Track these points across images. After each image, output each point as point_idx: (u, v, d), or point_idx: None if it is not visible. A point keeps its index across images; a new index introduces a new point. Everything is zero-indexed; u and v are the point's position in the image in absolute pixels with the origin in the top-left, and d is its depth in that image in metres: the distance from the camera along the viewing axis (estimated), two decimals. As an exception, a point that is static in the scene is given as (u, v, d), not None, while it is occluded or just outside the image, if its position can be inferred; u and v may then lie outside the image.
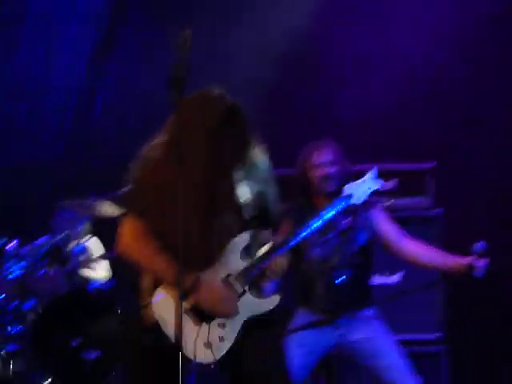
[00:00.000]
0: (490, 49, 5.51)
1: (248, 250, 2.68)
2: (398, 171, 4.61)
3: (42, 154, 6.03)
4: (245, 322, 2.58)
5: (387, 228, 3.68)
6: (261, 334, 2.60)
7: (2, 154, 6.00)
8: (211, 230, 2.53)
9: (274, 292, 3.56)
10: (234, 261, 2.62)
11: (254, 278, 2.64)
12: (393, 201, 4.48)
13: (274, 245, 2.68)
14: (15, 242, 4.78)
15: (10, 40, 6.10)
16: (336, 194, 3.16)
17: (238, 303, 2.57)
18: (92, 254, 5.23)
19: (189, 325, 2.52)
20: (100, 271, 5.04)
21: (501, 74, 5.48)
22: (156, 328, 2.52)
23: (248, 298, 2.61)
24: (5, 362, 4.58)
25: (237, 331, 2.56)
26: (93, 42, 6.12)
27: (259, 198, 2.71)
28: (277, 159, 3.62)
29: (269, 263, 2.64)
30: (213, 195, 2.54)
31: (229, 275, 2.60)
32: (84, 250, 5.01)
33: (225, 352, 2.53)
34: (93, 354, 4.41)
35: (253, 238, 2.71)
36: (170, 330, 2.41)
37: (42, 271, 4.74)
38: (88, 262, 5.10)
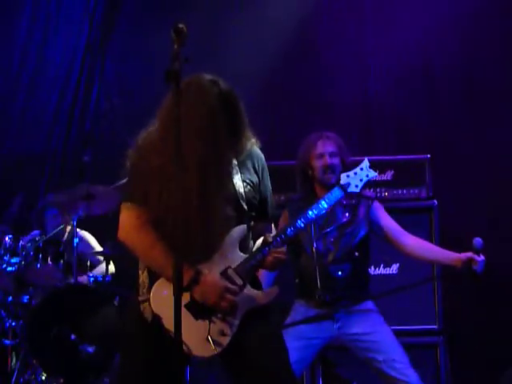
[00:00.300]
0: (491, 39, 5.50)
1: (246, 242, 2.67)
2: (395, 162, 4.63)
3: (39, 145, 6.01)
4: (244, 314, 2.57)
5: (388, 223, 3.72)
6: (259, 323, 2.59)
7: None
8: (209, 219, 2.51)
9: (272, 283, 3.57)
10: (233, 253, 2.61)
11: (252, 270, 2.64)
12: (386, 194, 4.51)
13: (271, 236, 2.67)
14: (10, 235, 4.76)
15: (6, 30, 6.07)
16: (330, 187, 3.20)
17: (238, 296, 2.56)
18: (92, 247, 5.23)
19: (189, 320, 2.51)
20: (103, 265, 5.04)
21: (501, 65, 5.47)
22: (156, 323, 2.51)
23: (247, 290, 2.60)
24: (3, 356, 4.58)
25: (237, 324, 2.55)
26: (89, 30, 6.09)
27: (255, 188, 2.70)
28: (274, 150, 3.61)
29: (267, 254, 2.63)
30: (209, 182, 2.52)
31: (227, 268, 2.59)
32: (80, 243, 5.01)
33: (226, 345, 2.53)
34: (91, 348, 4.40)
35: (250, 229, 2.71)
36: (169, 324, 2.38)
37: (37, 265, 4.72)
38: (85, 255, 5.10)
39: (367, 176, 3.12)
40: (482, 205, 5.27)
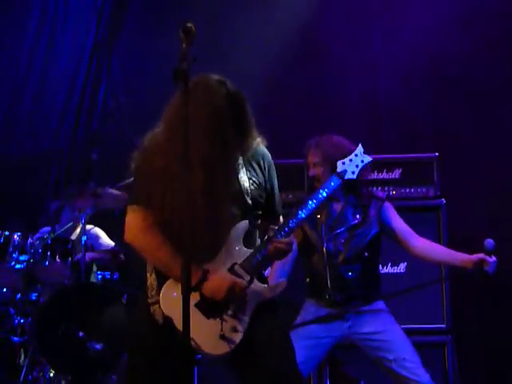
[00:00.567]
0: (499, 36, 5.48)
1: (251, 238, 2.68)
2: (403, 161, 4.63)
3: (46, 144, 6.03)
4: (253, 309, 2.59)
5: (398, 225, 3.71)
6: (267, 318, 2.60)
7: (6, 144, 6.00)
8: (215, 218, 2.52)
9: (283, 275, 3.58)
10: (238, 249, 2.62)
11: (259, 265, 2.65)
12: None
13: (275, 229, 2.69)
14: (19, 233, 4.78)
15: (16, 26, 6.09)
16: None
17: (247, 291, 2.57)
18: (101, 241, 5.26)
19: (200, 319, 2.53)
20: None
21: (509, 63, 5.45)
22: (167, 325, 2.52)
23: (255, 285, 2.62)
24: (12, 353, 4.60)
25: (247, 320, 2.57)
26: (96, 29, 6.10)
27: (261, 186, 2.71)
28: (281, 149, 3.61)
29: (272, 247, 2.64)
30: (215, 180, 2.52)
31: (234, 264, 2.60)
32: (90, 239, 5.04)
33: (238, 342, 2.54)
34: (98, 345, 4.41)
35: (257, 226, 2.72)
36: (181, 325, 2.36)
37: (46, 263, 4.73)
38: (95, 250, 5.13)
39: (362, 162, 3.20)
40: (490, 204, 5.25)
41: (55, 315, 4.46)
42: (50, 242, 4.81)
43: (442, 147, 4.90)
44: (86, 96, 6.08)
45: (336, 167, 3.16)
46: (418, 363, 3.52)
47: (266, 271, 3.81)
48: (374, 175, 4.53)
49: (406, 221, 3.77)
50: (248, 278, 2.59)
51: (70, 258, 4.83)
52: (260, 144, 2.73)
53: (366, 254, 3.66)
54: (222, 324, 2.54)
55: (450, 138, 5.41)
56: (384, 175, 4.60)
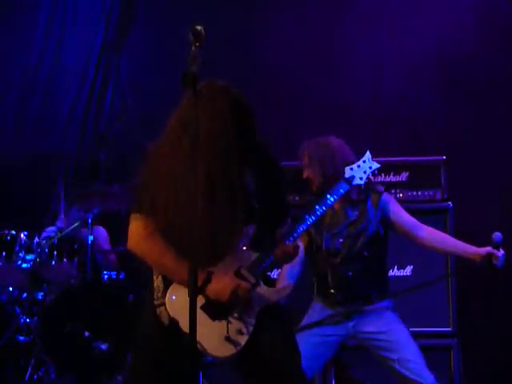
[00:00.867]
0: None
1: (257, 241, 2.68)
2: (410, 164, 4.62)
3: (54, 144, 6.05)
4: (259, 312, 2.59)
5: (400, 216, 3.66)
6: (273, 321, 2.61)
7: (14, 144, 6.02)
8: (220, 223, 2.52)
9: (292, 278, 3.59)
10: (244, 253, 2.63)
11: (265, 269, 2.65)
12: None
13: (282, 232, 2.70)
14: (26, 232, 4.79)
15: (25, 27, 6.11)
16: (320, 194, 3.22)
17: (253, 294, 2.58)
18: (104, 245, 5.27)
19: (206, 321, 2.54)
20: None
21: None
22: (173, 327, 2.53)
23: (261, 288, 2.62)
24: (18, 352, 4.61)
25: (253, 323, 2.57)
26: (105, 30, 6.12)
27: (267, 188, 2.71)
28: (289, 151, 3.61)
29: (279, 251, 2.65)
30: (220, 184, 2.53)
31: (240, 267, 2.61)
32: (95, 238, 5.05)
33: (244, 344, 2.54)
34: (104, 345, 4.41)
35: (261, 228, 2.71)
36: (187, 327, 2.35)
37: (52, 262, 4.74)
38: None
39: (370, 168, 3.24)
40: (497, 207, 5.24)
41: (61, 315, 4.46)
42: (56, 241, 4.82)
43: (449, 150, 4.89)
44: (94, 96, 6.09)
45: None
46: (422, 364, 3.51)
47: (275, 274, 3.83)
48: (381, 178, 4.53)
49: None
50: (253, 280, 2.59)
51: (76, 258, 4.83)
52: (266, 147, 2.73)
53: (366, 253, 3.63)
54: (227, 326, 2.55)
55: (459, 140, 5.40)
56: (391, 178, 4.59)
